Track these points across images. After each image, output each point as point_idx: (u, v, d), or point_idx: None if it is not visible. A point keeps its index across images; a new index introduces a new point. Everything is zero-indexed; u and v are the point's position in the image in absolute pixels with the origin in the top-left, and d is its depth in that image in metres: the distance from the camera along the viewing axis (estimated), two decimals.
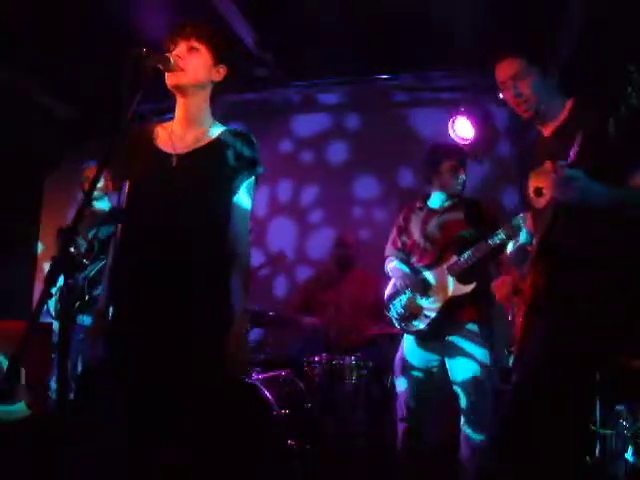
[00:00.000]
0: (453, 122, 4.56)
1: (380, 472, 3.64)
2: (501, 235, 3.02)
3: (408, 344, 3.34)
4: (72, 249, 1.46)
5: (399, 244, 3.55)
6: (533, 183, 2.26)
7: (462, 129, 4.55)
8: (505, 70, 2.20)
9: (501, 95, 2.26)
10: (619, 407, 3.19)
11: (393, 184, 5.22)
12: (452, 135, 4.56)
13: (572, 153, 2.00)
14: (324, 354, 3.90)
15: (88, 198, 1.72)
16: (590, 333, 1.98)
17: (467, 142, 4.51)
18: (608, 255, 2.02)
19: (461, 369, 3.14)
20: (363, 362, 3.87)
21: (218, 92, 2.16)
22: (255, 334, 4.45)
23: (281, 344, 4.58)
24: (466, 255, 3.17)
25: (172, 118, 2.15)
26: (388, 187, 5.23)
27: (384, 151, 5.12)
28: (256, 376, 3.60)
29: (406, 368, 3.30)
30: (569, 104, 2.19)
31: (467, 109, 4.53)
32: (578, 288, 2.02)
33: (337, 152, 5.37)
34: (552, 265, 2.10)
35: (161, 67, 1.96)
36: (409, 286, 3.33)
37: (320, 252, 5.15)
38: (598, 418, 3.17)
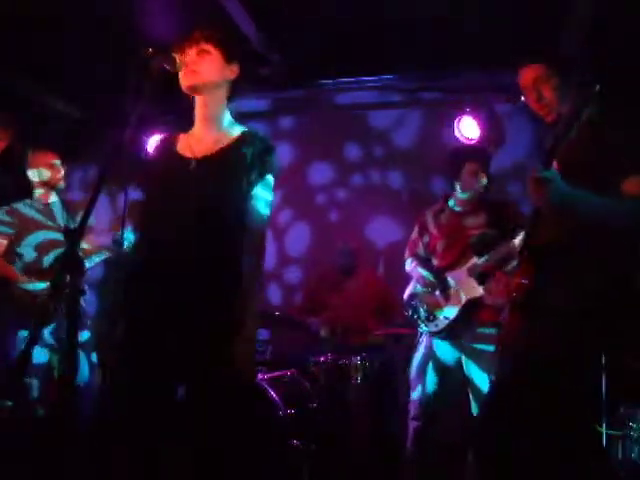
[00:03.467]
0: (459, 122, 4.55)
1: (386, 472, 3.64)
2: (521, 237, 2.96)
3: (426, 343, 3.33)
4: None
5: (420, 245, 3.55)
6: None
7: (468, 129, 4.54)
8: (527, 75, 2.25)
9: (523, 98, 2.31)
10: (625, 408, 3.18)
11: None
12: (457, 135, 4.55)
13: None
14: (330, 354, 3.90)
15: (95, 200, 1.72)
16: (566, 339, 1.98)
17: (472, 142, 4.49)
18: (588, 262, 2.03)
19: (482, 380, 3.11)
20: (369, 362, 3.87)
21: (235, 92, 2.16)
22: (261, 334, 4.46)
23: (287, 344, 4.58)
24: (486, 257, 3.15)
25: (186, 119, 2.16)
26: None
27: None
28: (261, 376, 3.60)
29: (423, 367, 3.30)
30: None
31: (473, 109, 4.53)
32: (557, 294, 2.03)
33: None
34: (534, 268, 2.12)
35: (167, 67, 1.97)
36: (429, 288, 3.33)
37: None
38: (604, 419, 3.16)
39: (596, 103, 2.11)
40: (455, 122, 4.56)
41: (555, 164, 2.13)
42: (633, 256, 2.05)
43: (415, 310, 3.39)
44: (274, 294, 5.37)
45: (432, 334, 3.30)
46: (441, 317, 3.25)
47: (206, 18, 3.72)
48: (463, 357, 3.21)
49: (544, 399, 1.98)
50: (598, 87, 2.14)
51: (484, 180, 3.37)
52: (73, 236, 1.54)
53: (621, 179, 1.99)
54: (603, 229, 2.01)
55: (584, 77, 2.23)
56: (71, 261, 1.50)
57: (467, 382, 3.18)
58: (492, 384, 2.96)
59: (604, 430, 3.14)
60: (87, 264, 3.65)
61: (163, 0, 3.99)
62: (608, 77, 2.18)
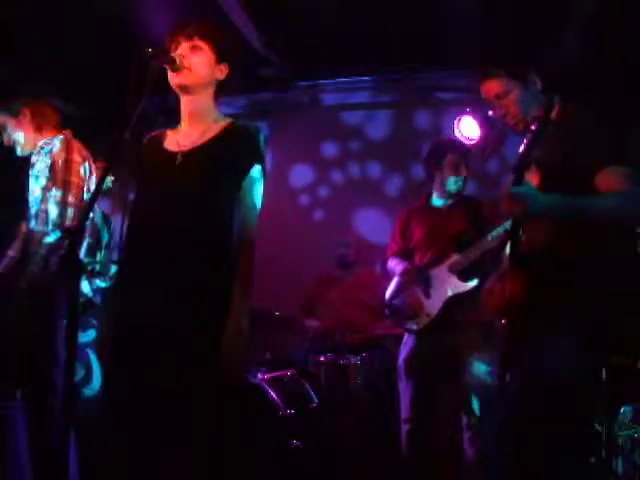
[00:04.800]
0: (459, 122, 4.54)
1: (386, 472, 3.64)
2: (498, 230, 2.98)
3: (411, 343, 3.33)
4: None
5: (401, 243, 3.56)
6: None
7: (468, 129, 4.52)
8: (488, 91, 2.26)
9: (491, 112, 2.31)
10: (626, 408, 3.18)
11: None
12: (457, 135, 4.54)
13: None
14: (329, 354, 3.90)
15: (94, 199, 1.72)
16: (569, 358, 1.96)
17: (472, 142, 4.49)
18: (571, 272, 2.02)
19: (465, 370, 3.13)
20: (369, 362, 3.86)
21: (223, 90, 2.17)
22: (260, 334, 4.45)
23: (286, 344, 4.58)
24: (466, 253, 3.18)
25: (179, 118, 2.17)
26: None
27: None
28: (261, 376, 3.60)
29: (410, 368, 3.29)
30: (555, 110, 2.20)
31: (473, 109, 4.52)
32: (553, 310, 2.02)
33: None
34: (524, 278, 2.11)
35: (167, 67, 1.98)
36: (411, 285, 3.33)
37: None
38: (605, 419, 3.16)
39: (559, 107, 2.13)
40: (455, 122, 4.56)
41: (535, 172, 2.13)
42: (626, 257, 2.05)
43: (397, 309, 3.38)
44: (272, 294, 5.35)
45: (415, 332, 3.30)
46: (423, 315, 3.25)
47: (206, 17, 3.72)
48: (448, 356, 3.19)
49: (546, 415, 1.96)
50: (556, 97, 2.15)
51: (464, 174, 3.43)
52: (72, 236, 1.54)
53: (594, 174, 1.98)
54: (590, 229, 1.99)
55: (548, 84, 2.23)
56: (71, 261, 1.49)
57: (458, 370, 3.17)
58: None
59: (604, 430, 3.14)
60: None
61: (163, 1, 3.99)
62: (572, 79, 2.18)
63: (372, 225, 5.20)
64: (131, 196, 2.13)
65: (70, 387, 1.60)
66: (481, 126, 4.50)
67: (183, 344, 1.91)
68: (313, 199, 5.52)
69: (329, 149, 5.53)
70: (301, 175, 5.54)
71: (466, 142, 4.43)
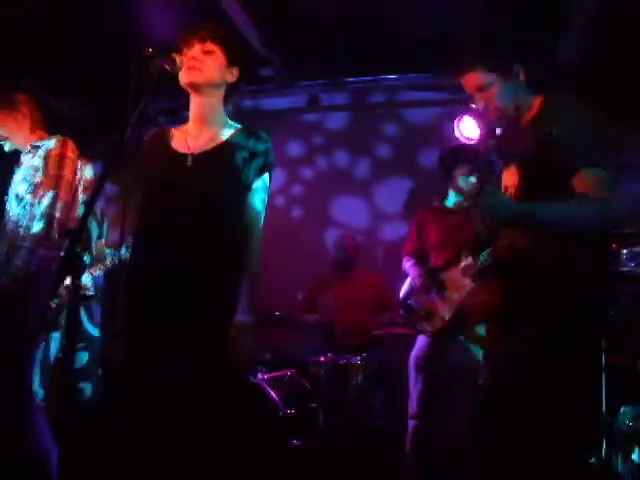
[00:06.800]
0: (459, 121, 4.53)
1: (386, 472, 3.64)
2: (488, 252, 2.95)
3: (424, 342, 3.36)
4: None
5: (417, 244, 3.60)
6: (503, 182, 2.30)
7: (468, 129, 4.51)
8: (468, 84, 2.25)
9: (473, 106, 2.28)
10: (625, 407, 3.18)
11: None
12: (457, 134, 4.53)
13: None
14: (330, 354, 3.89)
15: (94, 200, 1.72)
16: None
17: (473, 142, 4.48)
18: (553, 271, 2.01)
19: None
20: (369, 362, 3.86)
21: (232, 93, 2.20)
22: (261, 334, 4.46)
23: (287, 344, 4.58)
24: (482, 257, 3.14)
25: (185, 118, 2.19)
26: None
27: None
28: (262, 376, 3.61)
29: (420, 366, 3.32)
30: (537, 103, 2.19)
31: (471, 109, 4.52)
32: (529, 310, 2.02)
33: None
34: (507, 282, 2.13)
35: (167, 67, 1.99)
36: (426, 286, 3.35)
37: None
38: (604, 418, 3.16)
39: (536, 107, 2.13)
40: (455, 122, 4.55)
41: (515, 170, 2.12)
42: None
43: (411, 310, 3.41)
44: (271, 294, 5.36)
45: (428, 333, 3.31)
46: (437, 317, 3.25)
47: (207, 18, 3.73)
48: (458, 357, 3.23)
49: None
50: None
51: (474, 180, 3.46)
52: (73, 236, 1.54)
53: (570, 177, 1.96)
54: (566, 237, 1.98)
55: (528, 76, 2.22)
56: (71, 262, 1.49)
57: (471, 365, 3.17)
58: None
59: (604, 429, 3.14)
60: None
61: (165, 2, 3.99)
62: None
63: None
64: (134, 193, 2.13)
65: (69, 386, 1.60)
66: (479, 125, 4.50)
67: (189, 343, 1.92)
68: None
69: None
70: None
71: (465, 142, 4.44)
